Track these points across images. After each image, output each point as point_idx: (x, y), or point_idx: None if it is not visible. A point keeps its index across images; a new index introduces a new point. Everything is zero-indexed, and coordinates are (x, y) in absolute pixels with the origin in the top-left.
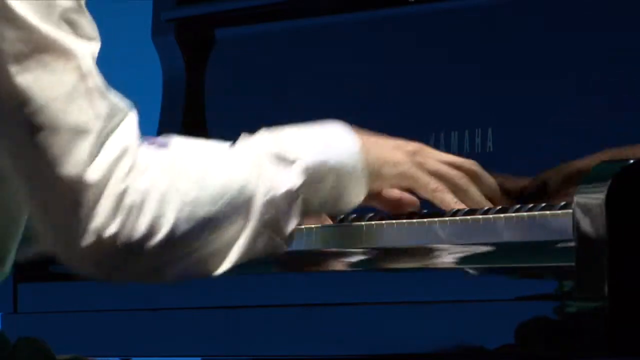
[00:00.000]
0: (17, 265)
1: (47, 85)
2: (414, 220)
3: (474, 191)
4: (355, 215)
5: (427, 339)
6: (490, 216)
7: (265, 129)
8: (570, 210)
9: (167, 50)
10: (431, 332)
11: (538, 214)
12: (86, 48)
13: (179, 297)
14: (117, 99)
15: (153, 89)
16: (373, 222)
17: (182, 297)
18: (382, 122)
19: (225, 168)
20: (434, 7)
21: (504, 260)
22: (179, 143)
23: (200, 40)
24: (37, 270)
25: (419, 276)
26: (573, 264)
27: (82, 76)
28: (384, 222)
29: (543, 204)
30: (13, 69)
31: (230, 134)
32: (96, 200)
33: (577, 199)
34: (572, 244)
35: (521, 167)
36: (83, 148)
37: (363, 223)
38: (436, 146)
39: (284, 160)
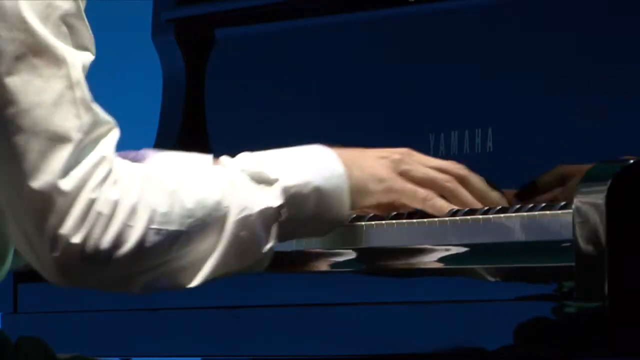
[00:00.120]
0: None
1: (34, 89)
2: (414, 220)
3: (463, 193)
4: (355, 215)
5: (426, 339)
6: (490, 216)
7: (246, 152)
8: (570, 210)
9: (167, 50)
10: (431, 332)
11: (538, 214)
12: (78, 57)
13: (179, 297)
14: (101, 113)
15: (153, 89)
16: (373, 222)
17: (182, 297)
18: (382, 122)
19: (199, 184)
20: (434, 7)
21: (504, 260)
22: (155, 157)
23: (200, 40)
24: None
25: (418, 276)
26: (573, 264)
27: (70, 85)
28: (384, 222)
29: (543, 204)
30: (3, 69)
31: (230, 134)
32: (67, 208)
33: (577, 199)
34: (572, 244)
35: (521, 167)
36: (60, 156)
37: (363, 223)
38: (436, 146)
39: (263, 181)
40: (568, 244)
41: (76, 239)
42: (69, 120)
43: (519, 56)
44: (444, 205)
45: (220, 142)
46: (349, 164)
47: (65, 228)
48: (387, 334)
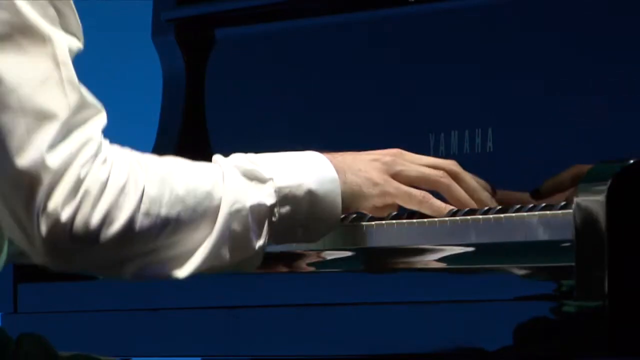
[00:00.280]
0: (17, 266)
1: (20, 68)
2: (414, 220)
3: (457, 189)
4: (355, 215)
5: (426, 339)
6: (491, 216)
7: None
8: (570, 210)
9: (167, 50)
10: (431, 332)
11: (538, 214)
12: (65, 39)
13: (179, 297)
14: (89, 96)
15: (153, 89)
16: (373, 222)
17: (182, 297)
18: (382, 122)
19: (191, 173)
20: (434, 7)
21: (504, 260)
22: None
23: (200, 40)
24: (37, 270)
25: (418, 276)
26: (573, 264)
27: (57, 64)
28: (384, 222)
29: (543, 204)
30: None
31: (230, 134)
32: (54, 185)
33: (577, 198)
34: (572, 244)
35: (521, 167)
36: (47, 134)
37: (363, 223)
38: (436, 146)
39: (256, 178)
40: (568, 244)
41: (64, 216)
42: (56, 98)
43: (519, 56)
44: (442, 206)
45: (220, 142)
46: (343, 169)
47: (53, 203)
48: (387, 334)
